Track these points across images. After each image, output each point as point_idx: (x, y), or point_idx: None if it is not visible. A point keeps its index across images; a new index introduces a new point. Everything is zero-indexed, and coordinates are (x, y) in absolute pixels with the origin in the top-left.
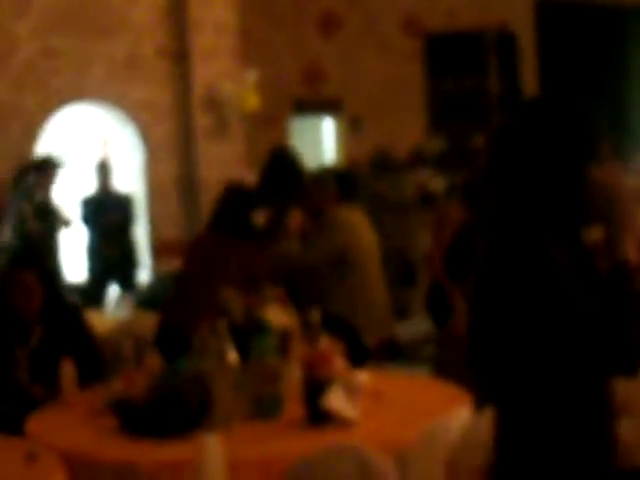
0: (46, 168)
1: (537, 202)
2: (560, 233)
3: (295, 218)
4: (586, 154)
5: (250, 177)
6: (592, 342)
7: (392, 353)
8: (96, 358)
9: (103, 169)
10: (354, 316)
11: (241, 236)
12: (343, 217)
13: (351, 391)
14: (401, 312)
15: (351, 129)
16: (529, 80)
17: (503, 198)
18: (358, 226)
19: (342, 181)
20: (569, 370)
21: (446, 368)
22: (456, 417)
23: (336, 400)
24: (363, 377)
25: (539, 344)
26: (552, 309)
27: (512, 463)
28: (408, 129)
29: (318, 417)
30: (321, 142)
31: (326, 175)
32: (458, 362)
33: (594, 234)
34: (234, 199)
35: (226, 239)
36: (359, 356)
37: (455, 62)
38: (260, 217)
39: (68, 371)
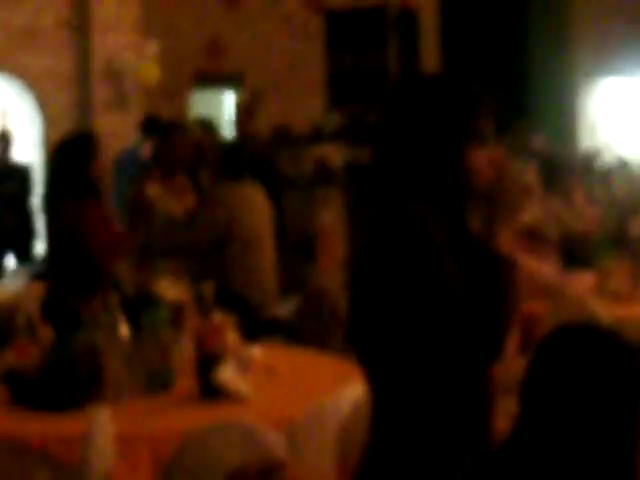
0: None
1: (418, 178)
2: (441, 210)
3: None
4: (467, 133)
5: (147, 149)
6: (457, 321)
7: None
8: None
9: (3, 140)
10: (246, 290)
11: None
12: (227, 193)
13: (243, 365)
14: (299, 287)
15: (251, 103)
16: (429, 59)
17: (385, 174)
18: (247, 201)
19: (233, 156)
20: (438, 349)
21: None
22: (347, 392)
23: (228, 374)
24: (256, 352)
25: (410, 322)
26: (421, 286)
27: (383, 442)
28: (308, 105)
29: (210, 391)
30: (222, 116)
31: (213, 150)
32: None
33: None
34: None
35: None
36: (252, 331)
37: (356, 39)
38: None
39: None
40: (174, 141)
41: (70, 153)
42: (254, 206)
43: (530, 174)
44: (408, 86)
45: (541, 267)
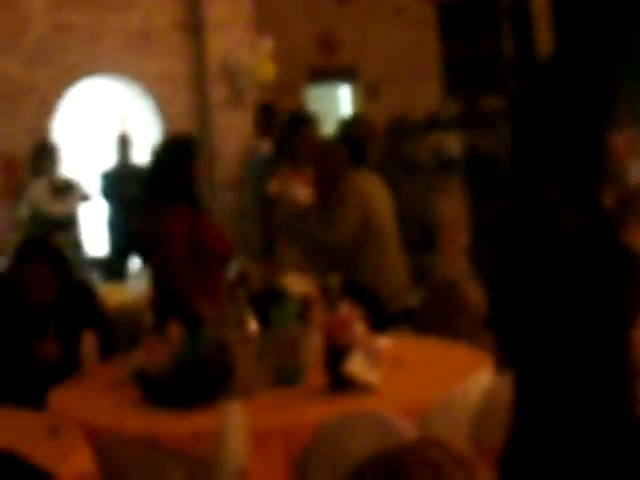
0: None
1: (555, 165)
2: (577, 196)
3: (307, 187)
4: (605, 117)
5: (265, 146)
6: (592, 303)
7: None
8: (108, 335)
9: (123, 142)
10: (374, 282)
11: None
12: (359, 184)
13: (372, 356)
14: (418, 278)
15: (367, 96)
16: (543, 43)
17: (522, 161)
18: (374, 191)
19: (353, 146)
20: (578, 330)
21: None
22: (477, 381)
23: (357, 365)
24: (384, 342)
25: (549, 305)
26: (558, 271)
27: (530, 425)
28: (424, 94)
29: (339, 383)
30: (338, 110)
31: (336, 143)
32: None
33: (612, 197)
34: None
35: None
36: (380, 322)
37: (469, 27)
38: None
39: (89, 344)
40: (299, 132)
41: (169, 155)
42: (380, 195)
43: None
44: (545, 70)
45: None
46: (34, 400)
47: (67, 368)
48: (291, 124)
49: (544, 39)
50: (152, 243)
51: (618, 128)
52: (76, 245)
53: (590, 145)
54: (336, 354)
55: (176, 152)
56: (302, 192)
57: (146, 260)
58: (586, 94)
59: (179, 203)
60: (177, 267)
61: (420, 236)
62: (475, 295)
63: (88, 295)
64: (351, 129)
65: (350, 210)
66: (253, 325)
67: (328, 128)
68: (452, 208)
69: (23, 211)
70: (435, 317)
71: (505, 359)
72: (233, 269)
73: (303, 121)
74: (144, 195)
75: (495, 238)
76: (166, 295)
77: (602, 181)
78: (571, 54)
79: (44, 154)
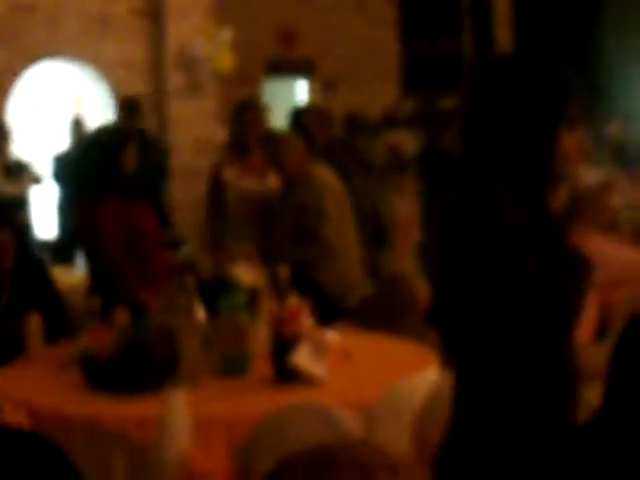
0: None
1: (505, 163)
2: (524, 194)
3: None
4: (556, 117)
5: (222, 134)
6: (532, 299)
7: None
8: (61, 314)
9: (77, 126)
10: (329, 276)
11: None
12: (317, 176)
13: (319, 349)
14: (370, 274)
15: (324, 91)
16: (503, 44)
17: (472, 158)
18: (334, 183)
19: (304, 135)
20: (518, 328)
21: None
22: (423, 376)
23: (304, 358)
24: (331, 336)
25: (488, 300)
26: (500, 269)
27: (467, 424)
28: (382, 92)
29: (286, 375)
30: (294, 104)
31: (290, 134)
32: None
33: (560, 197)
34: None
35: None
36: (330, 316)
37: (430, 25)
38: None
39: (34, 326)
40: (244, 120)
41: (97, 146)
42: (337, 189)
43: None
44: (500, 67)
45: (619, 252)
46: None
47: (13, 346)
48: (236, 111)
49: (504, 39)
50: (84, 236)
51: (569, 128)
52: (26, 227)
53: (540, 144)
54: (283, 346)
55: (103, 143)
56: (252, 184)
57: (82, 251)
58: (538, 93)
59: (109, 194)
60: (111, 257)
61: (372, 233)
62: (423, 292)
63: (43, 272)
64: (302, 117)
65: (329, 203)
66: (200, 313)
67: (284, 122)
68: (405, 206)
69: None
70: (381, 312)
71: (447, 356)
72: (182, 256)
73: (247, 107)
74: (76, 188)
75: (440, 234)
76: (105, 283)
77: (551, 181)
78: (526, 53)
79: None
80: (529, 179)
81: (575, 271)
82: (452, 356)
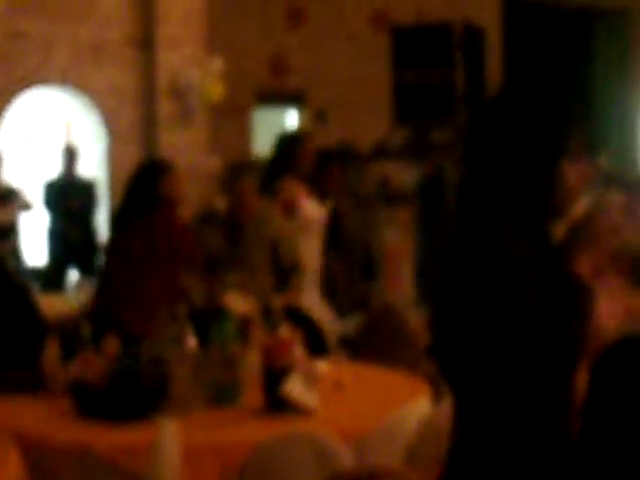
0: None
1: (505, 197)
2: (525, 228)
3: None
4: (556, 149)
5: (212, 163)
6: (535, 336)
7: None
8: (41, 339)
9: (69, 154)
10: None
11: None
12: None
13: (310, 380)
14: (361, 305)
15: (315, 121)
16: (494, 76)
17: (472, 193)
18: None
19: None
20: (521, 363)
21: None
22: (415, 407)
23: (295, 388)
24: (323, 367)
25: (491, 335)
26: (501, 301)
27: (467, 454)
28: (373, 123)
29: (277, 405)
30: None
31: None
32: None
33: (561, 230)
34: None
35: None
36: (319, 348)
37: (421, 56)
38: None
39: (52, 353)
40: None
41: (140, 175)
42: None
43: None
44: (499, 100)
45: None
46: None
47: None
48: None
49: (495, 71)
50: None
51: (571, 160)
52: (15, 254)
53: (541, 177)
54: (274, 375)
55: (140, 173)
56: None
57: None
58: (537, 126)
59: (145, 217)
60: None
61: (363, 264)
62: (417, 321)
63: (25, 298)
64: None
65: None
66: (191, 341)
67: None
68: (396, 237)
69: None
70: (372, 342)
71: (445, 388)
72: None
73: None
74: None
75: (440, 267)
76: (104, 309)
77: (552, 213)
78: (522, 86)
79: None
80: (531, 213)
81: (579, 299)
82: (452, 388)
